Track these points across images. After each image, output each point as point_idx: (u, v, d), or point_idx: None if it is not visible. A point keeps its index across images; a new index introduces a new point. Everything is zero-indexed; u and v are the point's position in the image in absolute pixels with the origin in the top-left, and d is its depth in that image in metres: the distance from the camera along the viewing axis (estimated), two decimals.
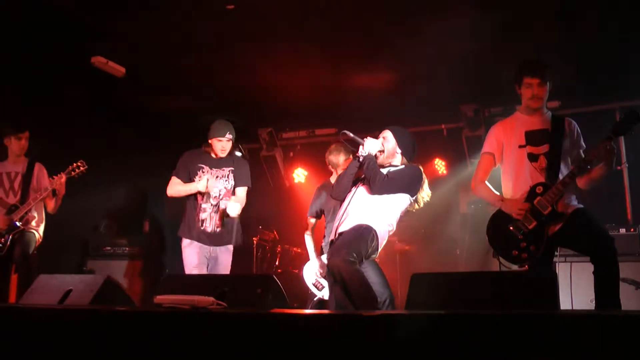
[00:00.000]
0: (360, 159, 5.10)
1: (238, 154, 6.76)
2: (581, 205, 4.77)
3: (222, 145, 6.30)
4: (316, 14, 6.63)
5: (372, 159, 5.06)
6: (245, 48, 7.44)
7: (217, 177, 6.31)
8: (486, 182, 5.10)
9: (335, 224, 5.05)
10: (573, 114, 8.34)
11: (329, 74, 8.24)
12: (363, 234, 4.76)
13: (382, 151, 5.19)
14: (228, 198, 6.30)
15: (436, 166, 9.90)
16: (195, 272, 6.08)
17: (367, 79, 8.40)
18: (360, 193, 5.08)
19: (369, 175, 5.00)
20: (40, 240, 6.75)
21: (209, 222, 6.23)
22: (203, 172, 6.29)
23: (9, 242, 6.48)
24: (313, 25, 6.87)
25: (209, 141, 6.39)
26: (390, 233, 5.03)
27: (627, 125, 4.55)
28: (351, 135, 5.16)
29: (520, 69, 4.93)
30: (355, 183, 5.20)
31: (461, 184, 9.55)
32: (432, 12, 6.45)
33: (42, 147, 7.13)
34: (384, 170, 5.11)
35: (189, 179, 6.32)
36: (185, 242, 6.24)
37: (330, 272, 4.67)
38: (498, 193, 5.01)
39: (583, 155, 4.79)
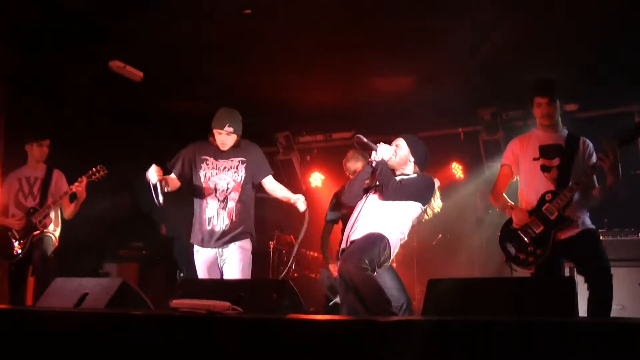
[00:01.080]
0: (373, 164, 5.03)
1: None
2: (592, 226, 4.94)
3: (221, 139, 5.58)
4: (333, 18, 6.63)
5: (385, 164, 4.99)
6: (262, 52, 7.46)
7: (224, 168, 5.62)
8: (504, 195, 5.32)
9: (347, 232, 4.98)
10: (591, 117, 8.39)
11: (346, 77, 8.25)
12: (375, 241, 4.69)
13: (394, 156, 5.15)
14: (237, 192, 5.57)
15: (453, 170, 9.87)
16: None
17: (385, 82, 8.39)
18: (371, 201, 4.99)
19: (381, 181, 4.92)
20: (57, 244, 6.80)
21: (217, 219, 5.52)
22: (207, 164, 5.62)
23: (28, 245, 6.54)
24: (330, 29, 6.87)
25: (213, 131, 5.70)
26: (402, 242, 4.96)
27: (633, 136, 4.73)
28: (365, 139, 5.08)
29: (530, 89, 5.18)
30: (366, 191, 5.12)
31: (478, 188, 9.50)
32: (450, 14, 6.43)
33: (59, 151, 7.17)
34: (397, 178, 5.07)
35: (185, 171, 5.65)
36: (195, 248, 5.64)
37: (341, 279, 4.63)
38: (510, 202, 5.23)
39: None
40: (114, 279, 3.93)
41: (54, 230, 6.79)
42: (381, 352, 2.36)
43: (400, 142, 5.21)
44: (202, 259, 5.59)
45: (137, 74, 7.85)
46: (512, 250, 4.96)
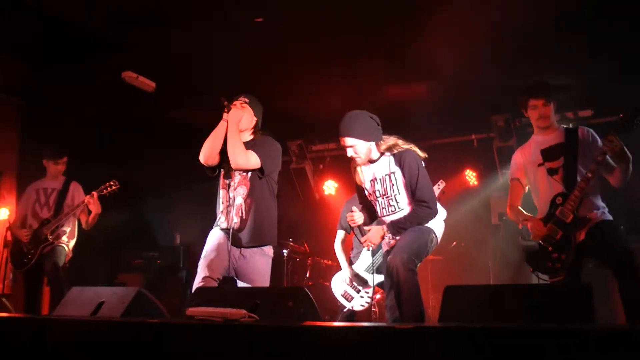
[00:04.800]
0: (390, 240, 4.88)
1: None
2: (608, 217, 4.84)
3: (236, 114, 5.12)
4: (346, 27, 6.65)
5: (393, 228, 4.76)
6: (274, 60, 7.48)
7: None
8: (518, 207, 5.29)
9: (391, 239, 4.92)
10: (606, 123, 8.35)
11: (359, 85, 8.25)
12: (423, 235, 4.68)
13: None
14: (245, 186, 5.04)
15: (467, 177, 9.85)
16: (212, 254, 4.94)
17: (398, 89, 8.39)
18: (398, 200, 4.87)
19: (411, 226, 4.73)
20: (70, 255, 6.84)
21: (225, 217, 5.04)
22: (226, 159, 5.06)
23: (37, 255, 6.57)
24: (343, 37, 6.88)
25: None
26: (444, 219, 4.95)
27: (631, 121, 4.61)
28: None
29: (524, 94, 5.17)
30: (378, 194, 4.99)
31: (493, 195, 9.48)
32: (464, 21, 6.43)
33: (73, 163, 7.22)
34: (381, 174, 4.95)
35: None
36: (215, 229, 5.15)
37: (389, 273, 4.62)
38: (525, 214, 5.17)
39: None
40: (130, 288, 3.92)
41: (68, 242, 6.83)
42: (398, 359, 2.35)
43: (351, 141, 4.88)
44: (218, 233, 5.07)
45: (150, 85, 7.89)
46: (537, 261, 4.91)
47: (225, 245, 4.98)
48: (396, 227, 4.73)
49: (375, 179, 4.98)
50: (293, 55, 7.41)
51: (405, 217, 4.75)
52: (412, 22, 6.59)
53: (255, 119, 5.30)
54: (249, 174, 5.08)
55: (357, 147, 4.85)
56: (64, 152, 7.04)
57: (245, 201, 5.05)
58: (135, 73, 7.68)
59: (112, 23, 6.62)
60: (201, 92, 8.46)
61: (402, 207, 4.85)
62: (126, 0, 6.21)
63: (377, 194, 4.98)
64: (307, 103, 8.96)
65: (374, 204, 5.07)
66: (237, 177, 5.10)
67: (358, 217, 4.99)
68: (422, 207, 4.72)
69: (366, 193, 5.12)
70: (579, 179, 4.78)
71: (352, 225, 5.02)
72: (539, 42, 6.91)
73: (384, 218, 4.97)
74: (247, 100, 5.27)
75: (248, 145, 5.09)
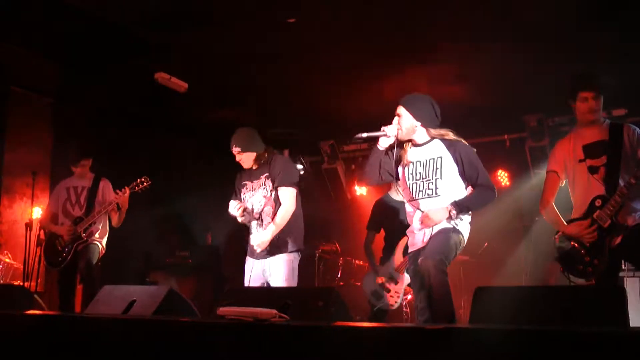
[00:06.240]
0: (453, 215, 4.60)
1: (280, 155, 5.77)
2: None
3: (238, 160, 5.62)
4: (379, 28, 6.64)
5: (458, 212, 4.60)
6: (306, 60, 7.49)
7: (258, 187, 5.59)
8: (553, 205, 5.08)
9: (416, 232, 4.81)
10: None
11: (391, 85, 8.24)
12: (452, 237, 4.58)
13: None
14: (271, 206, 5.47)
15: (499, 177, 9.80)
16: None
17: (430, 89, 8.33)
18: (432, 188, 4.75)
19: (477, 209, 4.71)
20: (104, 252, 6.88)
21: (256, 236, 5.48)
22: (246, 188, 5.67)
23: (72, 252, 6.62)
24: (375, 37, 6.88)
25: None
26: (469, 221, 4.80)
27: None
28: (364, 135, 4.91)
29: (574, 84, 4.92)
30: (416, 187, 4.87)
31: (525, 195, 9.40)
32: (494, 21, 6.40)
33: (104, 162, 7.26)
34: (423, 155, 4.85)
35: (240, 200, 5.70)
36: (247, 258, 5.66)
37: (418, 276, 4.59)
38: (563, 220, 4.97)
39: None
40: (161, 287, 3.95)
41: (100, 239, 6.86)
42: None
43: (400, 110, 4.90)
44: (249, 267, 5.58)
45: (182, 85, 7.94)
46: (569, 262, 4.76)
47: (258, 276, 5.51)
48: (461, 206, 4.61)
49: (417, 161, 4.89)
50: (327, 56, 7.41)
51: (470, 198, 4.70)
52: (444, 23, 6.56)
53: (254, 153, 5.57)
54: (270, 195, 5.51)
55: (402, 118, 4.85)
56: (82, 155, 6.97)
57: (272, 219, 5.46)
58: (168, 74, 7.73)
59: (146, 24, 6.67)
60: (234, 93, 8.50)
61: (440, 193, 4.69)
62: (160, 2, 6.26)
63: (415, 177, 4.86)
64: (340, 103, 8.95)
65: (405, 187, 4.96)
66: (263, 200, 5.54)
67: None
68: (487, 190, 4.68)
69: (405, 174, 4.96)
70: (620, 182, 4.61)
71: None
72: (571, 40, 6.84)
73: (412, 202, 4.86)
74: (238, 149, 5.54)
75: (262, 170, 5.58)
